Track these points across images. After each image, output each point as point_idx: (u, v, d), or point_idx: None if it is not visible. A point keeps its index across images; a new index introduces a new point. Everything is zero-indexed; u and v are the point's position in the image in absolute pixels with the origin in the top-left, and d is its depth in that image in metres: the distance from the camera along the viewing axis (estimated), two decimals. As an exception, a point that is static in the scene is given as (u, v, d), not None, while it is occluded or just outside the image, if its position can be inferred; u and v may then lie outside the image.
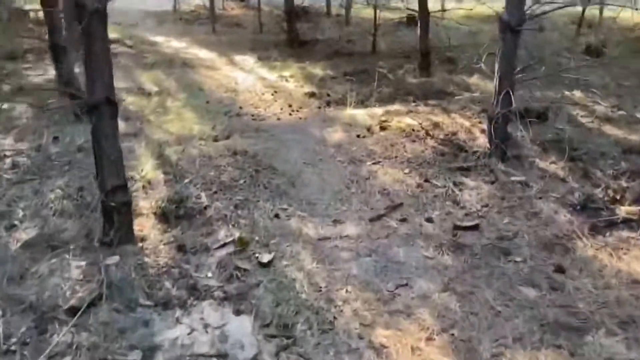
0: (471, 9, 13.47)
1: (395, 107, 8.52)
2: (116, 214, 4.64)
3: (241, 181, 5.86)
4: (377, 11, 13.50)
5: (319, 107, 9.14)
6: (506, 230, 5.07)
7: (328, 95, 9.83)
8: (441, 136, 7.05)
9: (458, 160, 6.46)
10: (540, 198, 5.60)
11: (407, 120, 7.53)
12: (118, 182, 4.64)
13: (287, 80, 10.79)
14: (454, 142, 6.86)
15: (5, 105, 7.58)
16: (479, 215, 5.35)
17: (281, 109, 9.06)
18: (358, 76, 11.05)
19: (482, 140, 6.85)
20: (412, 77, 10.96)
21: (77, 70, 8.43)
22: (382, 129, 7.40)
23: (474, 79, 10.54)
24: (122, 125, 7.41)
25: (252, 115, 8.63)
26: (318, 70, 11.54)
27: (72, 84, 7.69)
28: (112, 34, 13.80)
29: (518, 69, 6.24)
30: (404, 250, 4.78)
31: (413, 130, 7.23)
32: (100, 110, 4.44)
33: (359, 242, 4.92)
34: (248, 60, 12.63)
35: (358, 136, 7.29)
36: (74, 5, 7.24)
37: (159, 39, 15.18)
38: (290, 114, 8.74)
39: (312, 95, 9.77)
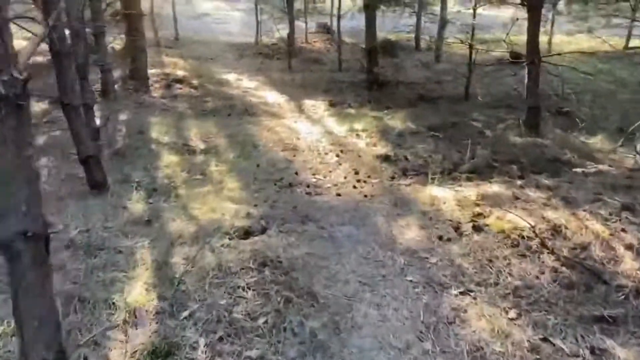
0: (593, 53, 10.82)
1: (495, 187, 6.25)
2: (41, 405, 2.88)
3: (261, 320, 3.92)
4: (473, 45, 11.25)
5: (392, 178, 7.09)
6: None
7: (406, 158, 7.76)
8: (565, 251, 4.71)
9: (594, 300, 4.13)
10: None
11: (513, 217, 5.25)
12: (47, 355, 2.89)
13: (358, 135, 8.83)
14: (586, 264, 4.52)
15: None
16: None
17: (345, 177, 7.12)
18: (446, 131, 8.91)
19: (631, 265, 4.46)
20: (515, 134, 8.61)
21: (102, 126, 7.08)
22: (477, 229, 5.18)
23: (599, 142, 8.04)
24: (140, 205, 5.85)
25: (307, 187, 6.75)
26: (397, 122, 9.49)
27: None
28: (180, 72, 12.66)
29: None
30: None
31: (522, 236, 4.96)
32: (15, 252, 2.71)
33: None
34: (318, 106, 10.85)
35: (441, 238, 5.13)
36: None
37: (230, 76, 13.88)
38: (354, 187, 6.76)
39: (385, 158, 7.74)
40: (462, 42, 11.25)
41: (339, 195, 6.48)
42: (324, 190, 6.70)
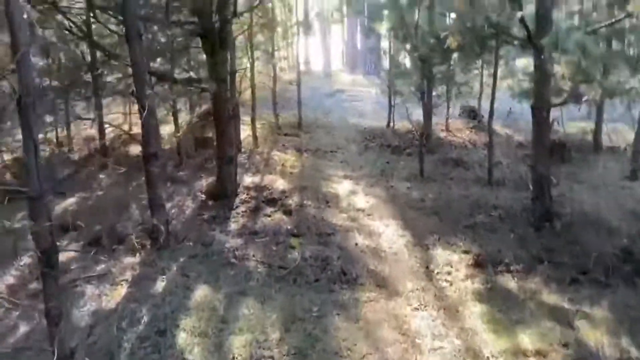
0: None
1: None
2: None
3: None
4: None
5: None
6: None
7: None
8: None
9: None
10: None
11: None
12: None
13: (530, 371, 4.61)
14: None
15: None
16: None
17: None
18: None
19: None
20: None
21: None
22: None
23: None
24: None
25: None
26: (599, 335, 5.06)
27: None
28: (281, 182, 8.96)
29: None
30: None
31: None
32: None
33: None
34: (457, 266, 6.77)
35: None
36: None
37: (342, 187, 10.46)
38: None
39: None
40: None
41: None
42: None
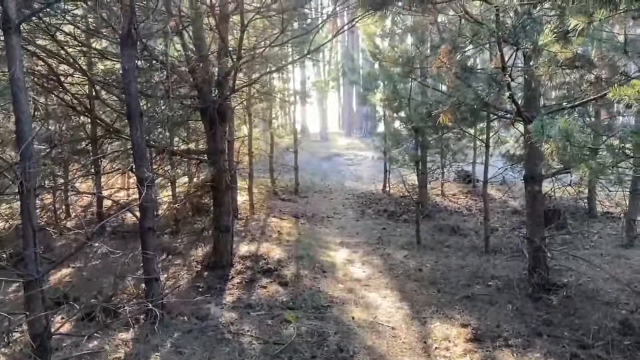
0: None
1: None
2: None
3: None
4: None
5: None
6: None
7: None
8: None
9: None
10: None
11: None
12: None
13: None
14: None
15: None
16: None
17: None
18: None
19: None
20: None
21: None
22: None
23: None
24: None
25: None
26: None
27: None
28: (277, 252, 8.82)
29: None
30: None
31: None
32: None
33: None
34: (454, 340, 6.68)
35: None
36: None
37: (339, 255, 10.50)
38: None
39: None
40: None
41: None
42: None
